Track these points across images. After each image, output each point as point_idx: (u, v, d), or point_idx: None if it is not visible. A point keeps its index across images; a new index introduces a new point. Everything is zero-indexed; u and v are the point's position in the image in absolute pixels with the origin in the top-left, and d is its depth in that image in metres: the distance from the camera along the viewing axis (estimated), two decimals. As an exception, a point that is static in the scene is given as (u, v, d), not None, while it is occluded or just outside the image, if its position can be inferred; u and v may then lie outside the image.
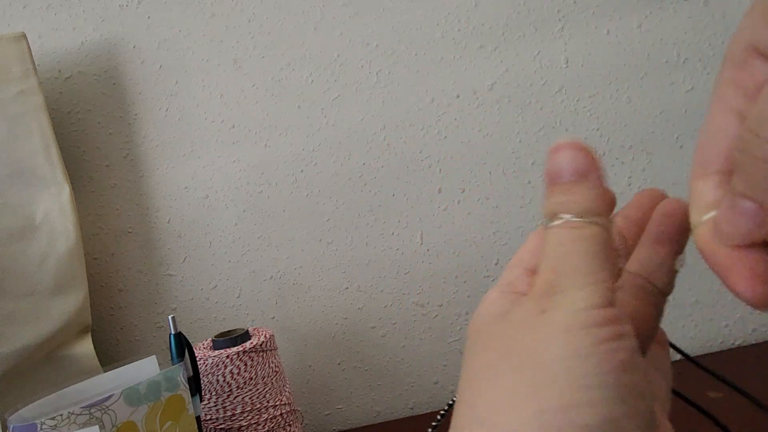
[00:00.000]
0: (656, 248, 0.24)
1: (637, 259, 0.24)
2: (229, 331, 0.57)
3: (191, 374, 0.50)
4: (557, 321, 0.19)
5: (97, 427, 0.40)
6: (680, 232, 0.24)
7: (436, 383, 0.71)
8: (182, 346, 0.50)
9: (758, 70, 0.19)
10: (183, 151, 0.70)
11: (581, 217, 0.20)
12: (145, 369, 0.46)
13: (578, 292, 0.19)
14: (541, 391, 0.18)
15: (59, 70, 0.69)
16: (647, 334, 0.24)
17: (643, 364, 0.19)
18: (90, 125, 0.70)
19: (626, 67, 0.66)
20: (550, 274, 0.20)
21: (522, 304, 0.20)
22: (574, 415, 0.17)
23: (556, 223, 0.20)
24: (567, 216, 0.20)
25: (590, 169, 0.21)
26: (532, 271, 0.23)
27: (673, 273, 0.24)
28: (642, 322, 0.23)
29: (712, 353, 0.67)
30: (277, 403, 0.55)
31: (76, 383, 0.44)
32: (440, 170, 0.68)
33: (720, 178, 0.20)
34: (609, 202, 0.21)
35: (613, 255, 0.20)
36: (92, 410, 0.41)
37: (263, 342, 0.55)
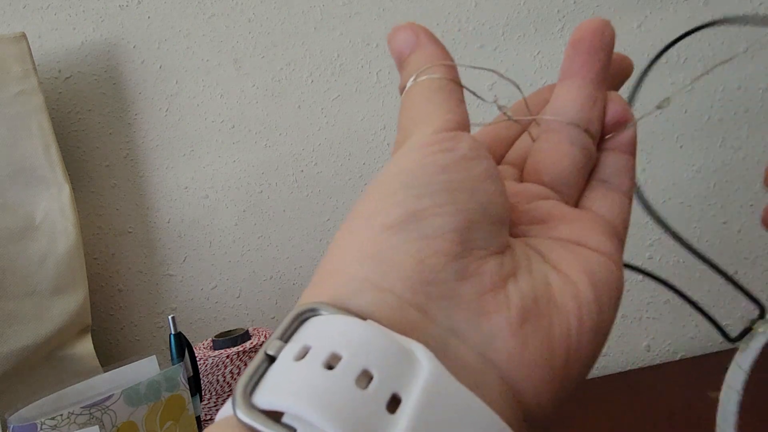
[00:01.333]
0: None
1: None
2: (229, 331, 0.57)
3: (191, 374, 0.50)
4: (397, 155, 0.20)
5: (97, 427, 0.40)
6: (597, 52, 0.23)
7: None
8: (182, 346, 0.50)
9: None
10: (183, 151, 0.70)
11: (419, 76, 0.22)
12: (145, 369, 0.46)
13: (419, 127, 0.20)
14: (362, 209, 0.19)
15: (59, 70, 0.69)
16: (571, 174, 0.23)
17: (483, 168, 0.19)
18: (90, 125, 0.70)
19: (626, 67, 0.66)
20: (406, 124, 0.21)
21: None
22: (376, 219, 0.18)
23: (408, 84, 0.22)
24: (410, 80, 0.22)
25: (422, 38, 0.22)
26: None
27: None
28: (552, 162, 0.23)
29: (712, 353, 0.67)
30: (277, 403, 0.55)
31: (76, 383, 0.44)
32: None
33: None
34: (441, 55, 0.22)
35: (455, 93, 0.22)
36: (92, 410, 0.41)
37: (263, 342, 0.55)
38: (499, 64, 0.67)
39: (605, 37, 0.23)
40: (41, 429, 0.39)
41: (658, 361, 0.69)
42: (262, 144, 0.69)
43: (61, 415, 0.40)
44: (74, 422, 0.40)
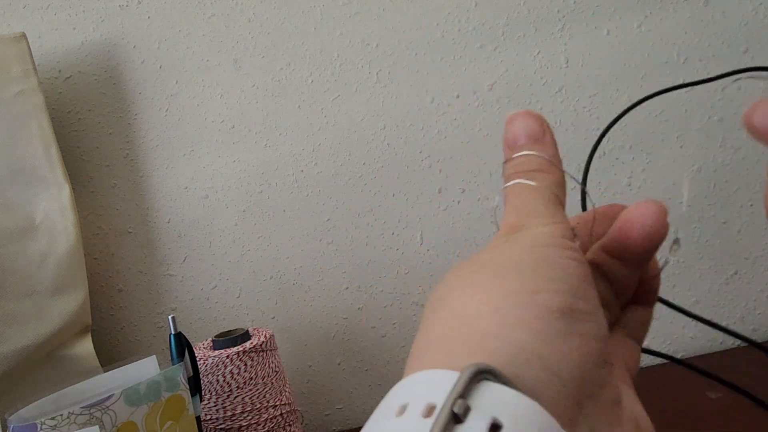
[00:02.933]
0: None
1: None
2: (229, 331, 0.57)
3: (191, 374, 0.50)
4: (524, 242, 0.20)
5: (97, 427, 0.40)
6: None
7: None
8: (182, 346, 0.50)
9: None
10: (183, 151, 0.70)
11: (534, 178, 0.22)
12: (145, 369, 0.46)
13: (541, 227, 0.20)
14: (506, 279, 0.19)
15: (59, 70, 0.69)
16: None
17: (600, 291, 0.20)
18: (90, 125, 0.70)
19: (626, 67, 0.66)
20: (514, 218, 0.21)
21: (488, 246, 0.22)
22: (542, 297, 0.18)
23: (514, 182, 0.22)
24: (522, 178, 0.22)
25: (543, 133, 0.22)
26: None
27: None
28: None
29: (712, 353, 0.67)
30: (277, 403, 0.55)
31: (76, 383, 0.44)
32: (440, 170, 0.68)
33: None
34: (558, 163, 0.22)
35: (563, 207, 0.22)
36: (92, 410, 0.41)
37: (263, 342, 0.55)
38: (499, 64, 0.67)
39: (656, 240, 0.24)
40: (41, 429, 0.39)
41: (658, 361, 0.69)
42: (262, 144, 0.69)
43: (61, 415, 0.40)
44: (74, 422, 0.40)
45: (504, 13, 0.67)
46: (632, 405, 0.21)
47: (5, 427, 0.40)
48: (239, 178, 0.69)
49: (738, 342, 0.69)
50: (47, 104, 0.62)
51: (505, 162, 0.23)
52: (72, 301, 0.60)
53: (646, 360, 0.68)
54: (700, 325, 0.69)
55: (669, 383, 0.61)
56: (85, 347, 0.61)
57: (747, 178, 0.68)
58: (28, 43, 0.62)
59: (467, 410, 0.15)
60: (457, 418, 0.15)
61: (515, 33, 0.67)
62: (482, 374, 0.16)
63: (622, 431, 0.18)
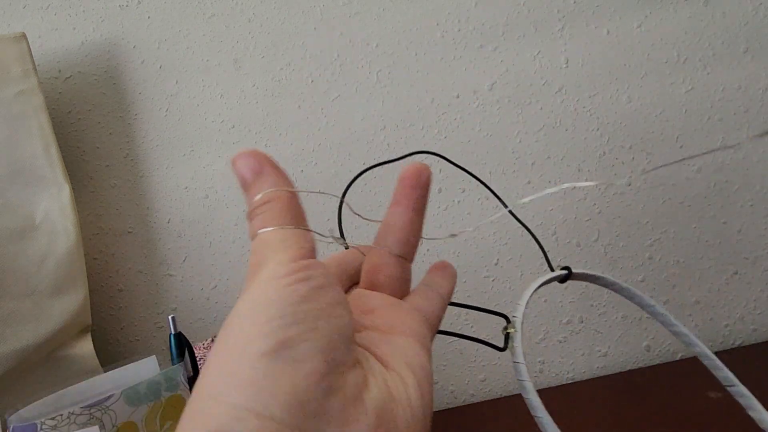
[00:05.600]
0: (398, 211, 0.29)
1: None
2: (229, 331, 0.57)
3: (191, 374, 0.50)
4: (256, 282, 0.22)
5: (97, 427, 0.40)
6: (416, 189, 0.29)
7: (435, 383, 0.71)
8: (182, 346, 0.50)
9: None
10: (183, 151, 0.70)
11: (264, 215, 0.24)
12: (145, 369, 0.46)
13: (273, 258, 0.22)
14: (231, 337, 0.20)
15: (59, 70, 0.69)
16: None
17: (334, 295, 0.22)
18: (90, 125, 0.70)
19: (626, 67, 0.66)
20: (255, 261, 0.23)
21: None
22: (252, 347, 0.19)
23: (259, 233, 0.24)
24: (261, 231, 0.24)
25: (260, 165, 0.25)
26: None
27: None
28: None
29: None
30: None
31: (76, 383, 0.44)
32: (440, 170, 0.68)
33: None
34: (283, 183, 0.25)
35: (304, 235, 0.24)
36: (92, 410, 0.41)
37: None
38: (499, 64, 0.67)
39: (422, 178, 0.29)
40: (41, 429, 0.39)
41: (658, 361, 0.69)
42: (262, 144, 0.69)
43: (61, 415, 0.40)
44: (74, 422, 0.40)
45: (504, 13, 0.67)
46: (384, 370, 0.23)
47: (5, 427, 0.40)
48: (239, 178, 0.69)
49: (738, 342, 0.69)
50: (47, 104, 0.62)
51: (248, 208, 0.25)
52: (72, 301, 0.60)
53: (646, 360, 0.68)
54: (700, 325, 0.69)
55: (669, 383, 0.61)
56: (85, 347, 0.61)
57: (747, 178, 0.68)
58: (28, 43, 0.62)
59: None
60: None
61: (515, 33, 0.67)
62: None
63: (363, 424, 0.20)
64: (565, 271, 0.33)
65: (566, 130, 0.68)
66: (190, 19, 0.68)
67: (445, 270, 0.32)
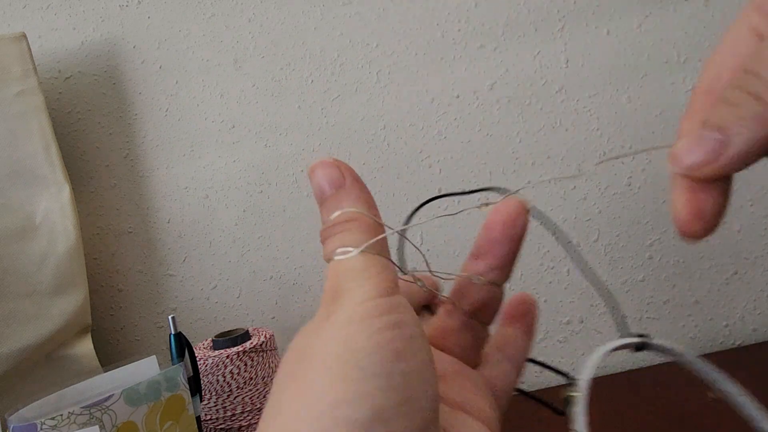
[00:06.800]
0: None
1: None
2: (229, 331, 0.57)
3: (191, 374, 0.50)
4: (339, 320, 0.19)
5: (97, 427, 0.40)
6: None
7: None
8: (182, 346, 0.50)
9: None
10: (183, 151, 0.70)
11: (344, 234, 0.22)
12: (145, 369, 0.46)
13: (357, 289, 0.20)
14: (318, 389, 0.18)
15: (59, 70, 0.69)
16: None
17: (423, 349, 0.20)
18: (90, 125, 0.70)
19: (626, 67, 0.66)
20: (333, 286, 0.21)
21: (316, 315, 0.21)
22: (343, 411, 0.17)
23: (336, 258, 0.22)
24: (340, 251, 0.22)
25: (344, 178, 0.23)
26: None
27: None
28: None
29: (712, 353, 0.67)
30: (277, 403, 0.55)
31: (76, 383, 0.44)
32: (440, 170, 0.68)
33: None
34: (366, 203, 0.23)
35: (387, 265, 0.22)
36: (92, 410, 0.41)
37: (263, 342, 0.55)
38: (499, 64, 0.67)
39: (517, 227, 0.26)
40: (41, 429, 0.39)
41: (658, 361, 0.69)
42: (262, 144, 0.69)
43: (61, 415, 0.40)
44: (74, 422, 0.40)
45: (504, 13, 0.67)
46: None
47: (5, 427, 0.40)
48: (239, 178, 0.69)
49: (738, 342, 0.69)
50: (47, 104, 0.62)
51: (322, 223, 0.23)
52: (72, 301, 0.60)
53: (646, 359, 0.68)
54: (700, 325, 0.69)
55: (669, 383, 0.61)
56: (85, 347, 0.61)
57: (747, 178, 0.68)
58: (28, 43, 0.62)
59: None
60: None
61: (515, 33, 0.67)
62: None
63: None
64: (639, 340, 0.29)
65: (566, 130, 0.68)
66: (190, 19, 0.68)
67: (525, 317, 0.28)
